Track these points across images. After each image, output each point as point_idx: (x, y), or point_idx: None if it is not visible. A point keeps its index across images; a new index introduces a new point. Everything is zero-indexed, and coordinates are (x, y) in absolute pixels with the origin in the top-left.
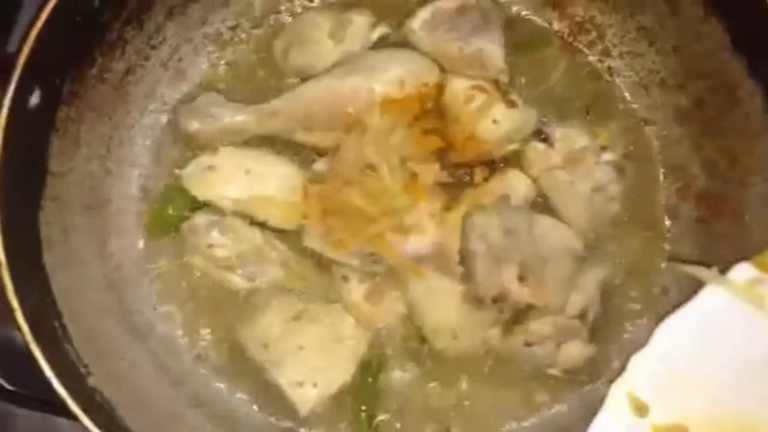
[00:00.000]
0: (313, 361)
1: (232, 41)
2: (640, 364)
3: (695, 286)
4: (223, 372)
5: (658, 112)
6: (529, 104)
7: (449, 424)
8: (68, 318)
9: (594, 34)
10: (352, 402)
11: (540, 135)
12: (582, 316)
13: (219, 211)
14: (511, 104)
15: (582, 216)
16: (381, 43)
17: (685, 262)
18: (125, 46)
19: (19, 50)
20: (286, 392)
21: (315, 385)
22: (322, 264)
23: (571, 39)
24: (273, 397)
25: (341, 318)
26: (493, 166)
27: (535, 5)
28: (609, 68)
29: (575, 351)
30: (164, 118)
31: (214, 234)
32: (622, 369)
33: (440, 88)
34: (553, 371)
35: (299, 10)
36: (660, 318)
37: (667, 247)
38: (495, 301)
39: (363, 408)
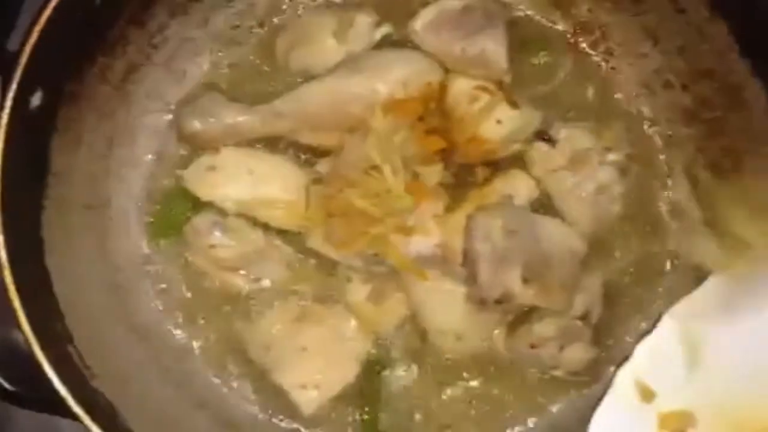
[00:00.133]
0: (316, 363)
1: (235, 41)
2: (646, 349)
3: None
4: (225, 373)
5: (663, 112)
6: (533, 105)
7: (453, 426)
8: (70, 319)
9: (598, 34)
10: (355, 403)
11: (543, 135)
12: (585, 317)
13: (221, 211)
14: (515, 105)
15: (585, 217)
16: (384, 43)
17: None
18: (127, 45)
19: (20, 50)
20: (289, 394)
21: (318, 386)
22: (324, 265)
23: (574, 39)
24: (276, 399)
25: (344, 319)
26: (496, 166)
27: (538, 5)
28: (613, 68)
29: (579, 352)
30: (166, 119)
31: (217, 235)
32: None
33: (443, 88)
34: (557, 373)
35: (302, 10)
36: None
37: (670, 248)
38: (498, 302)
39: (366, 409)
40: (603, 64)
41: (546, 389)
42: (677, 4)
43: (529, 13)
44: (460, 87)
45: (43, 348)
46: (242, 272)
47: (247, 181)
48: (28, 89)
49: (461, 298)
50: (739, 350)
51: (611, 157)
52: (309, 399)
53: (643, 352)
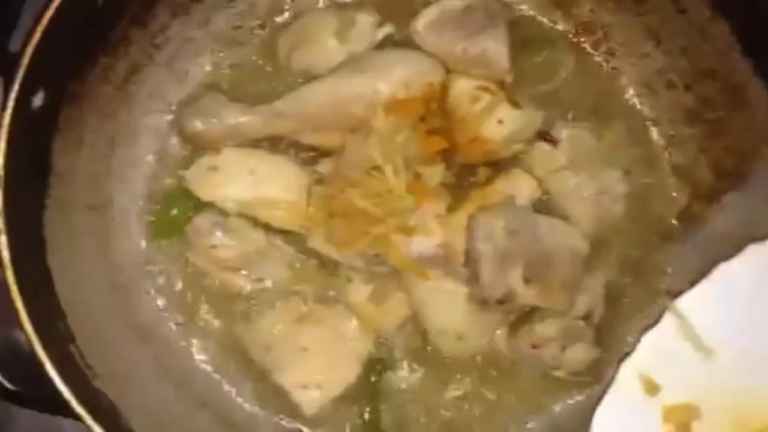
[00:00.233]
0: (317, 363)
1: (236, 41)
2: (650, 342)
3: None
4: (227, 373)
5: (665, 112)
6: (535, 105)
7: (454, 426)
8: (72, 319)
9: (600, 34)
10: (357, 403)
11: (545, 135)
12: (587, 317)
13: (222, 211)
14: (516, 105)
15: (587, 217)
16: (386, 43)
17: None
18: (129, 46)
19: (22, 50)
20: (291, 394)
21: (319, 386)
22: (326, 265)
23: (576, 39)
24: (277, 399)
25: (345, 319)
26: (498, 166)
27: (540, 5)
28: (615, 68)
29: (581, 353)
30: (167, 119)
31: (218, 235)
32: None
33: (445, 88)
34: (559, 373)
35: (303, 10)
36: None
37: (673, 248)
38: (500, 302)
39: (367, 409)
40: (605, 64)
41: (548, 389)
42: (679, 5)
43: (530, 13)
44: (462, 87)
45: (45, 348)
46: (243, 272)
47: (249, 182)
48: (30, 90)
49: (463, 299)
50: (744, 343)
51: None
52: (310, 399)
53: (647, 345)
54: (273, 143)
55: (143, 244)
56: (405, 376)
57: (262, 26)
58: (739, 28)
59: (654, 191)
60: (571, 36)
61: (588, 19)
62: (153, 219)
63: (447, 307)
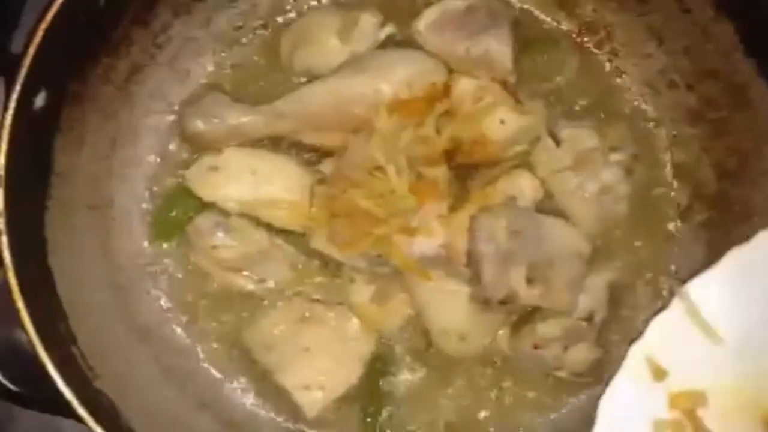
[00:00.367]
0: (319, 363)
1: (238, 41)
2: (658, 327)
3: None
4: (229, 374)
5: (667, 112)
6: (537, 105)
7: (456, 426)
8: (73, 320)
9: (602, 33)
10: (359, 404)
11: (547, 135)
12: (590, 318)
13: (224, 212)
14: (519, 105)
15: (590, 217)
16: (388, 43)
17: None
18: (130, 45)
19: (24, 51)
20: (292, 395)
21: (322, 387)
22: (328, 265)
23: (579, 39)
24: (279, 399)
25: (347, 319)
26: (500, 167)
27: (543, 5)
28: (617, 68)
29: (583, 353)
30: (169, 119)
31: (219, 235)
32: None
33: (447, 88)
34: (561, 373)
35: (305, 9)
36: None
37: (675, 248)
38: (502, 302)
39: (370, 410)
40: (608, 63)
41: (550, 390)
42: (682, 4)
43: (533, 12)
44: (464, 87)
45: (46, 349)
46: (245, 273)
47: (250, 182)
48: (32, 90)
49: (465, 299)
50: (753, 330)
51: (616, 157)
52: (312, 400)
53: (655, 329)
54: (275, 143)
55: (144, 244)
56: (407, 376)
57: (264, 26)
58: (742, 28)
59: (656, 191)
60: (574, 36)
61: (591, 18)
62: (154, 219)
63: (449, 307)
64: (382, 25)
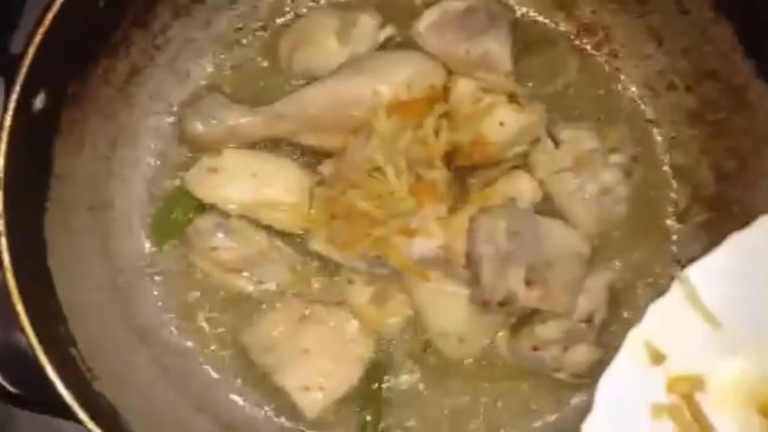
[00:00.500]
0: (318, 364)
1: (238, 43)
2: (657, 312)
3: None
4: (228, 375)
5: (666, 113)
6: (537, 106)
7: (455, 428)
8: (72, 321)
9: (602, 35)
10: (359, 405)
11: (546, 137)
12: (589, 319)
13: (224, 213)
14: (518, 106)
15: (589, 218)
16: (387, 45)
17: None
18: (130, 47)
19: (23, 52)
20: (292, 396)
21: (321, 388)
22: (327, 267)
23: (578, 40)
24: (278, 401)
25: (346, 321)
26: (499, 168)
27: (542, 6)
28: (617, 69)
29: (582, 355)
30: (169, 120)
31: (219, 236)
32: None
33: (447, 89)
34: (560, 375)
35: (304, 11)
36: None
37: (674, 249)
38: (501, 304)
39: (369, 411)
40: (607, 65)
41: (549, 391)
42: (681, 6)
43: (532, 14)
44: (464, 88)
45: (45, 351)
46: (245, 274)
47: (250, 183)
48: (32, 91)
49: (464, 300)
50: (753, 316)
51: (615, 158)
52: (312, 401)
53: (654, 314)
54: (274, 145)
55: (144, 245)
56: (406, 377)
57: (263, 27)
58: (741, 30)
59: (655, 193)
60: (573, 37)
61: (590, 20)
62: (154, 221)
63: (448, 309)
64: (382, 26)
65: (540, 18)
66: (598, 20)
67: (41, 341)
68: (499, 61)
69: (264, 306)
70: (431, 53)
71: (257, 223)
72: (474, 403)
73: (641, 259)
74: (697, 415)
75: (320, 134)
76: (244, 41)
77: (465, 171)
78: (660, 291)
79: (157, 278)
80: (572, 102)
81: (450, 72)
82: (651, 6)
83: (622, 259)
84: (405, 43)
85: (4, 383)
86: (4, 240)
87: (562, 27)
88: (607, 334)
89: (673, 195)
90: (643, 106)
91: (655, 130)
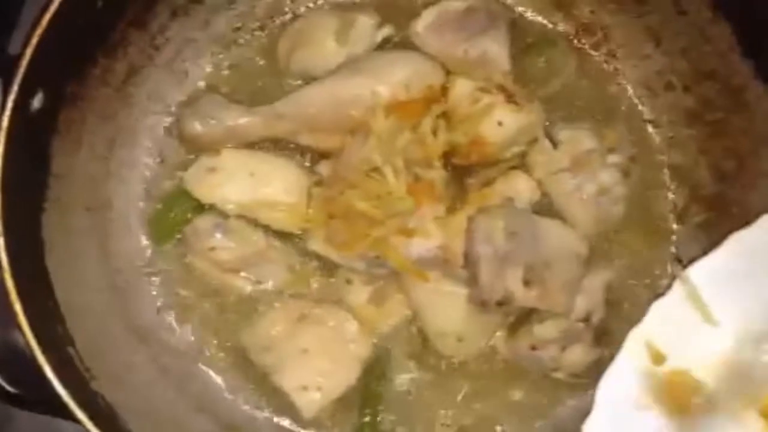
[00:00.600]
0: (317, 364)
1: (236, 43)
2: (658, 312)
3: None
4: (227, 375)
5: (665, 114)
6: (535, 106)
7: (454, 427)
8: (71, 321)
9: (600, 35)
10: (357, 405)
11: (544, 137)
12: (587, 319)
13: (222, 213)
14: (517, 106)
15: (587, 219)
16: (385, 45)
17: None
18: (128, 47)
19: (21, 52)
20: (290, 396)
21: (319, 388)
22: (326, 267)
23: (577, 40)
24: (277, 401)
25: (345, 320)
26: (497, 168)
27: (541, 7)
28: (615, 69)
29: (580, 354)
30: (167, 120)
31: (217, 236)
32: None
33: (445, 90)
34: (558, 375)
35: (303, 11)
36: None
37: (672, 249)
38: (500, 304)
39: (367, 411)
40: (605, 65)
41: (547, 391)
42: (679, 6)
43: (531, 14)
44: (462, 89)
45: (44, 351)
46: (243, 274)
47: (248, 183)
48: (30, 91)
49: (462, 300)
50: (753, 315)
51: (613, 158)
52: (310, 401)
53: (655, 314)
54: (273, 144)
55: (142, 245)
56: (404, 377)
57: (261, 28)
58: (739, 30)
59: (653, 193)
60: (571, 37)
61: (588, 20)
62: (152, 221)
63: (446, 308)
64: (380, 26)
65: (539, 18)
66: (597, 20)
67: (39, 341)
68: (497, 62)
69: (262, 306)
70: (429, 53)
71: (255, 223)
72: (472, 402)
73: (639, 260)
74: (696, 416)
75: (318, 134)
76: (243, 41)
77: (463, 171)
78: (658, 291)
79: (155, 278)
80: (570, 102)
81: (448, 72)
82: (649, 6)
83: (620, 259)
84: (403, 43)
85: (3, 383)
86: (2, 240)
87: (561, 27)
88: (605, 334)
89: (671, 195)
90: (641, 106)
91: (653, 131)
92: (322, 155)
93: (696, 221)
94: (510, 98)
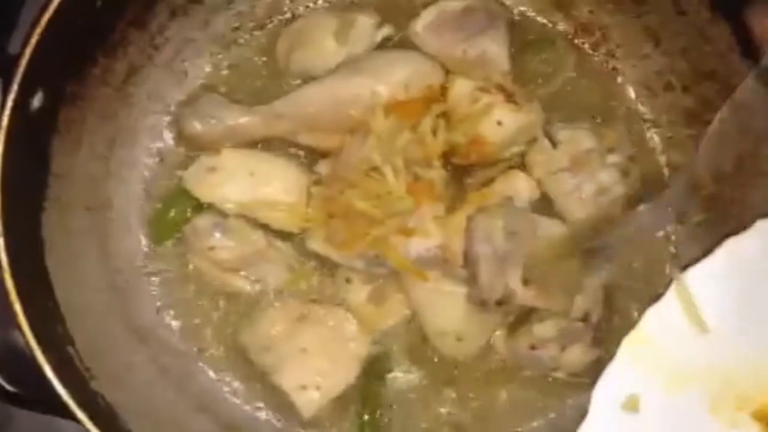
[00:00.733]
0: (316, 364)
1: (235, 42)
2: (654, 316)
3: None
4: (226, 375)
5: (664, 114)
6: (534, 106)
7: (453, 427)
8: (70, 321)
9: (599, 35)
10: (356, 404)
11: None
12: (586, 318)
13: (222, 213)
14: (516, 106)
15: (586, 218)
16: (385, 45)
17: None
18: (128, 46)
19: (21, 51)
20: (290, 395)
21: (318, 387)
22: (325, 266)
23: (576, 40)
24: (277, 400)
25: (344, 320)
26: (497, 168)
27: (540, 6)
28: (614, 69)
29: (579, 354)
30: (167, 120)
31: (217, 236)
32: None
33: (444, 89)
34: (558, 374)
35: (302, 11)
36: None
37: (672, 249)
38: (499, 303)
39: (367, 410)
40: (604, 65)
41: (547, 391)
42: (679, 6)
43: (530, 14)
44: (462, 88)
45: (43, 350)
46: (242, 273)
47: (248, 183)
48: (29, 91)
49: (462, 300)
50: (748, 320)
51: (612, 158)
52: (309, 400)
53: (650, 319)
54: (272, 144)
55: (142, 245)
56: (404, 377)
57: (261, 27)
58: (738, 30)
59: (652, 193)
60: (570, 37)
61: (587, 20)
62: (152, 220)
63: (446, 308)
64: (379, 26)
65: (538, 18)
66: (596, 20)
67: (39, 341)
68: (496, 61)
69: (262, 305)
70: (429, 53)
71: (255, 223)
72: (471, 401)
73: (638, 259)
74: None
75: (318, 134)
76: (242, 41)
77: (462, 171)
78: (657, 291)
79: (155, 278)
80: (570, 102)
81: (448, 72)
82: (648, 6)
83: (619, 259)
84: (402, 43)
85: (3, 382)
86: (1, 240)
87: (560, 27)
88: (604, 333)
89: (669, 195)
90: (640, 106)
91: (652, 130)
92: (322, 155)
93: (695, 221)
94: (509, 98)
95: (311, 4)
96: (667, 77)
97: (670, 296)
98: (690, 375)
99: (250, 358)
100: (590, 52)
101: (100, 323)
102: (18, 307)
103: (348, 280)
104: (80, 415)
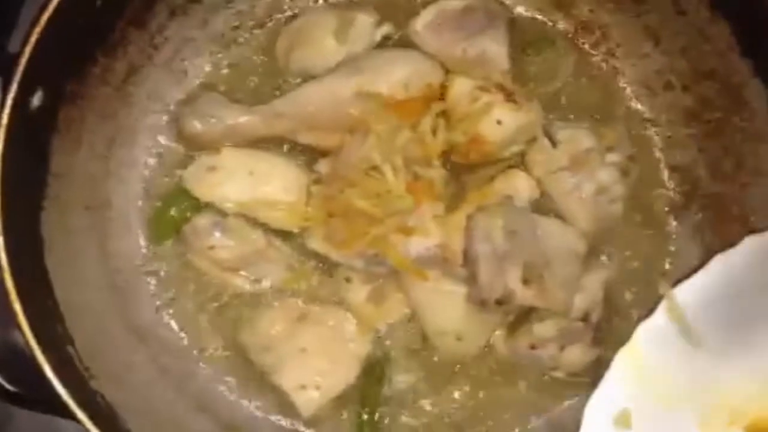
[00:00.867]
0: (315, 363)
1: (235, 42)
2: (645, 331)
3: None
4: (226, 374)
5: (664, 113)
6: (534, 105)
7: (452, 426)
8: (70, 320)
9: (599, 34)
10: (356, 404)
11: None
12: (586, 318)
13: (221, 212)
14: (516, 105)
15: (586, 217)
16: (384, 44)
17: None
18: (127, 46)
19: (21, 50)
20: (289, 395)
21: (318, 387)
22: (325, 265)
23: (576, 39)
24: (276, 400)
25: (344, 319)
26: (496, 167)
27: (540, 5)
28: (614, 68)
29: (579, 353)
30: (166, 119)
31: (217, 235)
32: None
33: (444, 89)
34: (557, 374)
35: (302, 10)
36: None
37: (671, 248)
38: (499, 303)
39: (366, 410)
40: (604, 64)
41: (546, 390)
42: (678, 6)
43: (530, 13)
44: (461, 87)
45: (43, 350)
46: (242, 273)
47: (248, 182)
48: (29, 90)
49: (461, 299)
50: (738, 335)
51: (612, 157)
52: (308, 400)
53: (642, 334)
54: (272, 143)
55: (142, 244)
56: (403, 376)
57: (260, 26)
58: (738, 29)
59: (652, 192)
60: (570, 36)
61: (587, 19)
62: (151, 219)
63: (445, 307)
64: (379, 25)
65: (537, 17)
66: (596, 19)
67: (39, 340)
68: (496, 61)
69: (261, 305)
70: (428, 52)
71: (255, 222)
72: (471, 401)
73: (638, 258)
74: None
75: (318, 133)
76: (242, 40)
77: (462, 170)
78: (656, 290)
79: (154, 277)
80: (569, 101)
81: (447, 71)
82: (648, 5)
83: (619, 258)
84: (402, 41)
85: (3, 382)
86: (1, 239)
87: (560, 26)
88: (604, 333)
89: (670, 194)
90: (640, 106)
91: (652, 130)
92: (322, 154)
93: (694, 220)
94: (509, 97)
95: (311, 3)
96: (667, 76)
97: (660, 312)
98: (682, 389)
99: (250, 358)
100: (590, 51)
101: (100, 323)
102: (18, 307)
103: (348, 280)
104: (80, 414)
